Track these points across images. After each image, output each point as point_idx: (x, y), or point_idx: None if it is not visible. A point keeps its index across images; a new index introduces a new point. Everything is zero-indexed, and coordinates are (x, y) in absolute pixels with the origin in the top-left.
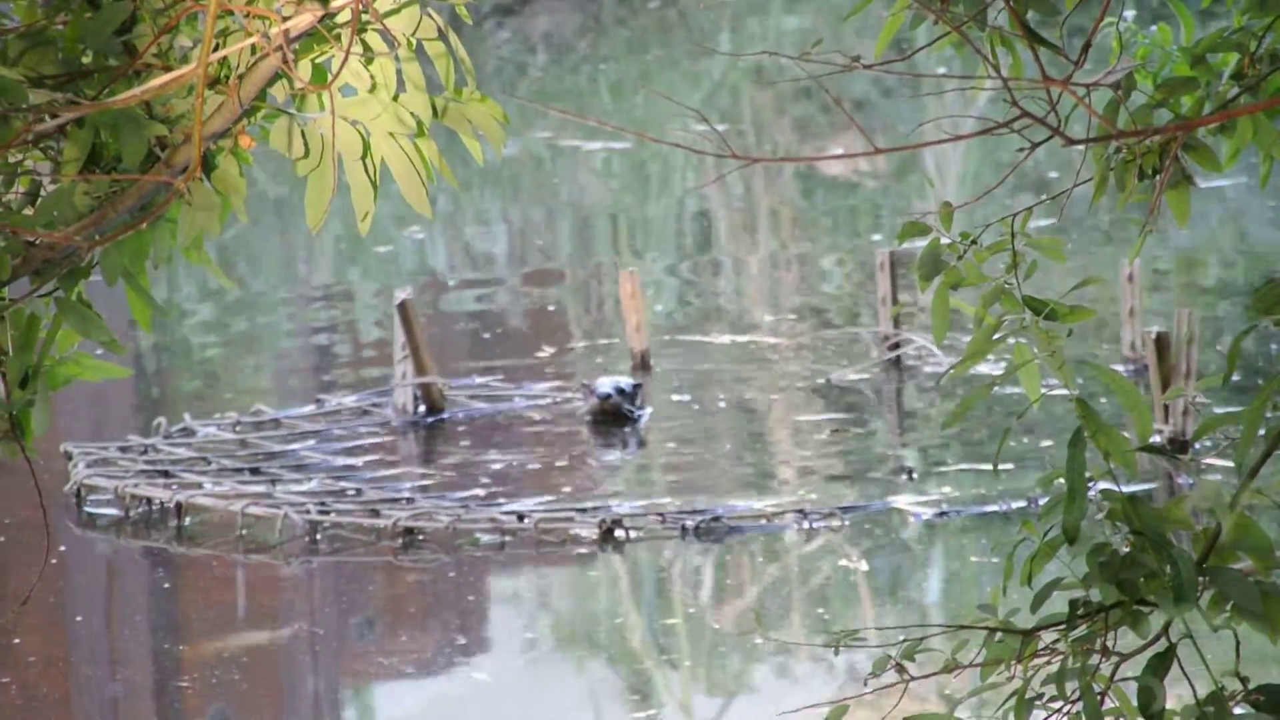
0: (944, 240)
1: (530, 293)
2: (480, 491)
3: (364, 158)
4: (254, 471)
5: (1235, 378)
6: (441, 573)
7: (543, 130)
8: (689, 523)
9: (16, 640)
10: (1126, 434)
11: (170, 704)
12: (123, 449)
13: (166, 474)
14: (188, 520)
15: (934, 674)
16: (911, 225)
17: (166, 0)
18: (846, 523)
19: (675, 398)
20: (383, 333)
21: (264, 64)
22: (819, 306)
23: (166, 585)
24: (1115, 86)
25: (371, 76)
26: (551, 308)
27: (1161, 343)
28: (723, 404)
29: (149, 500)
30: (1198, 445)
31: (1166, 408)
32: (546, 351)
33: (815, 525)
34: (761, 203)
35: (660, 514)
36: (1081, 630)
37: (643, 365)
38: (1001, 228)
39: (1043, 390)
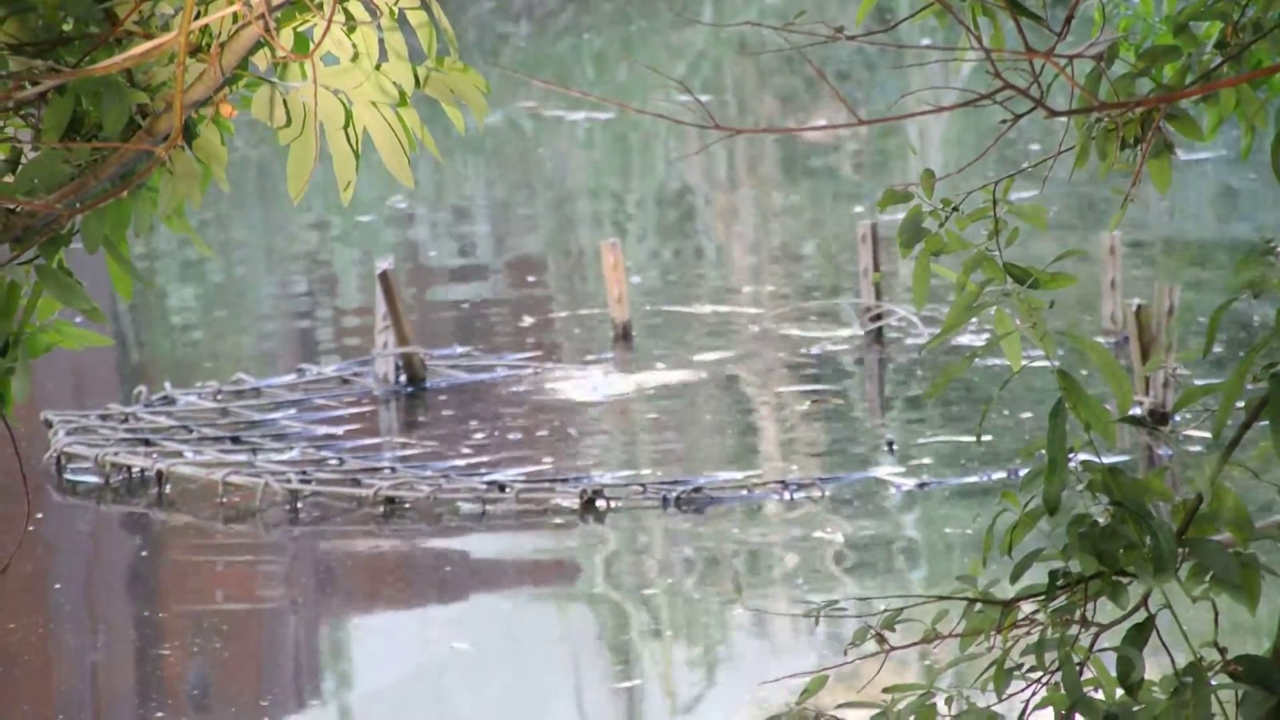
0: (925, 208)
1: (512, 263)
2: (461, 461)
3: (346, 127)
4: (235, 440)
5: (1216, 350)
6: (422, 542)
7: (526, 100)
8: (670, 493)
9: None
10: (1107, 405)
11: (151, 671)
12: (103, 417)
13: (147, 442)
14: (168, 488)
15: (914, 644)
16: (893, 193)
17: None
18: (827, 493)
19: (657, 369)
20: (364, 302)
21: (246, 32)
22: (800, 277)
23: (147, 553)
24: (1098, 57)
25: (354, 45)
26: (532, 278)
27: (1142, 315)
28: (704, 375)
29: (129, 468)
30: (1178, 417)
31: (1147, 380)
32: (527, 322)
33: (796, 496)
34: (743, 174)
35: (641, 484)
36: (1061, 601)
37: (624, 336)
38: (984, 195)
39: (1024, 361)
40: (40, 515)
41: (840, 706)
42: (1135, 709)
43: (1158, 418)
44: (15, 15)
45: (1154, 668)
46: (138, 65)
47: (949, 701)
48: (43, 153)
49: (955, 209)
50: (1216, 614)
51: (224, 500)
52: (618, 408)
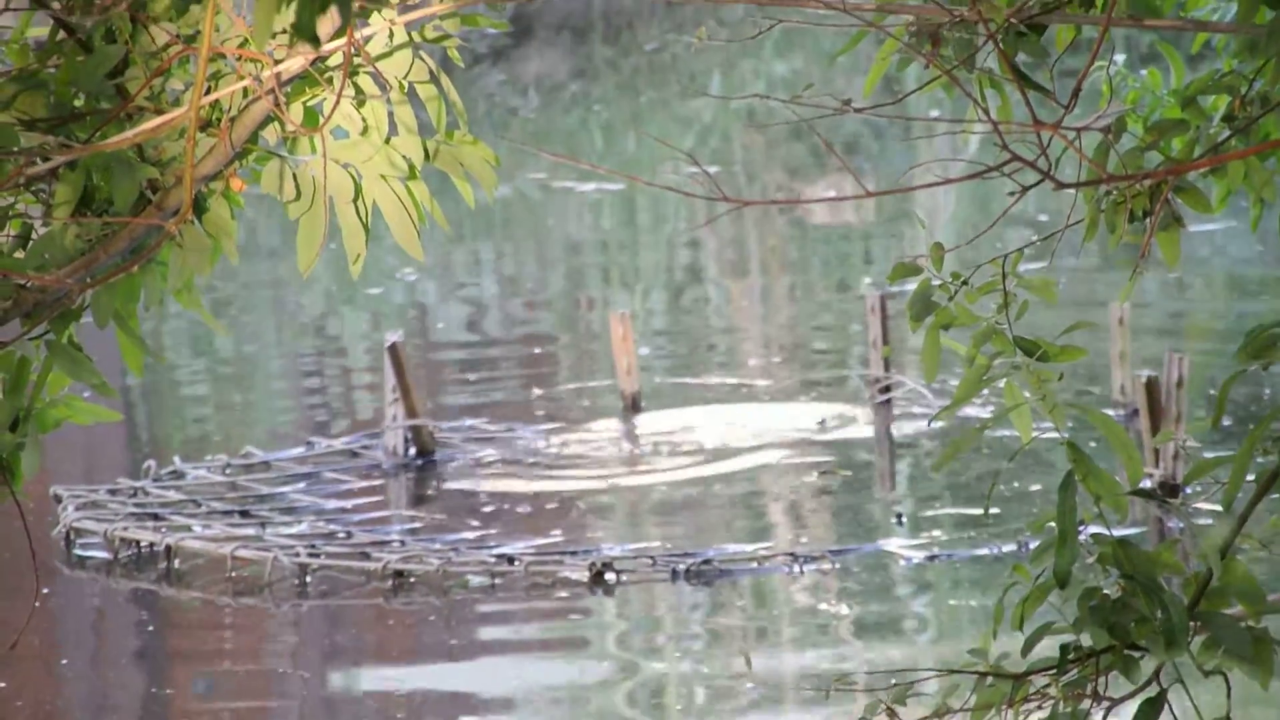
0: (935, 281)
1: (521, 335)
2: (470, 534)
3: (356, 200)
4: (243, 514)
5: (1226, 422)
6: (431, 615)
7: (536, 171)
8: (679, 565)
9: (3, 684)
10: (1117, 477)
11: None
12: (112, 491)
13: (156, 516)
14: (177, 563)
15: (925, 718)
16: (903, 266)
17: (159, 44)
18: (837, 565)
19: (666, 440)
20: (373, 376)
21: (256, 107)
22: (809, 349)
23: (156, 628)
24: (1106, 130)
25: (363, 119)
26: (541, 350)
27: (1152, 386)
28: (713, 446)
29: (138, 543)
30: (1188, 489)
31: (1157, 451)
32: (536, 393)
33: (806, 568)
34: (752, 245)
35: (651, 557)
36: (1072, 675)
37: (634, 407)
38: (993, 269)
39: (1034, 433)
40: (49, 590)
41: None
42: None
43: (1168, 490)
44: (27, 92)
45: None
46: (148, 140)
47: None
48: (54, 228)
49: (965, 282)
50: (1229, 688)
51: (233, 574)
52: (627, 479)
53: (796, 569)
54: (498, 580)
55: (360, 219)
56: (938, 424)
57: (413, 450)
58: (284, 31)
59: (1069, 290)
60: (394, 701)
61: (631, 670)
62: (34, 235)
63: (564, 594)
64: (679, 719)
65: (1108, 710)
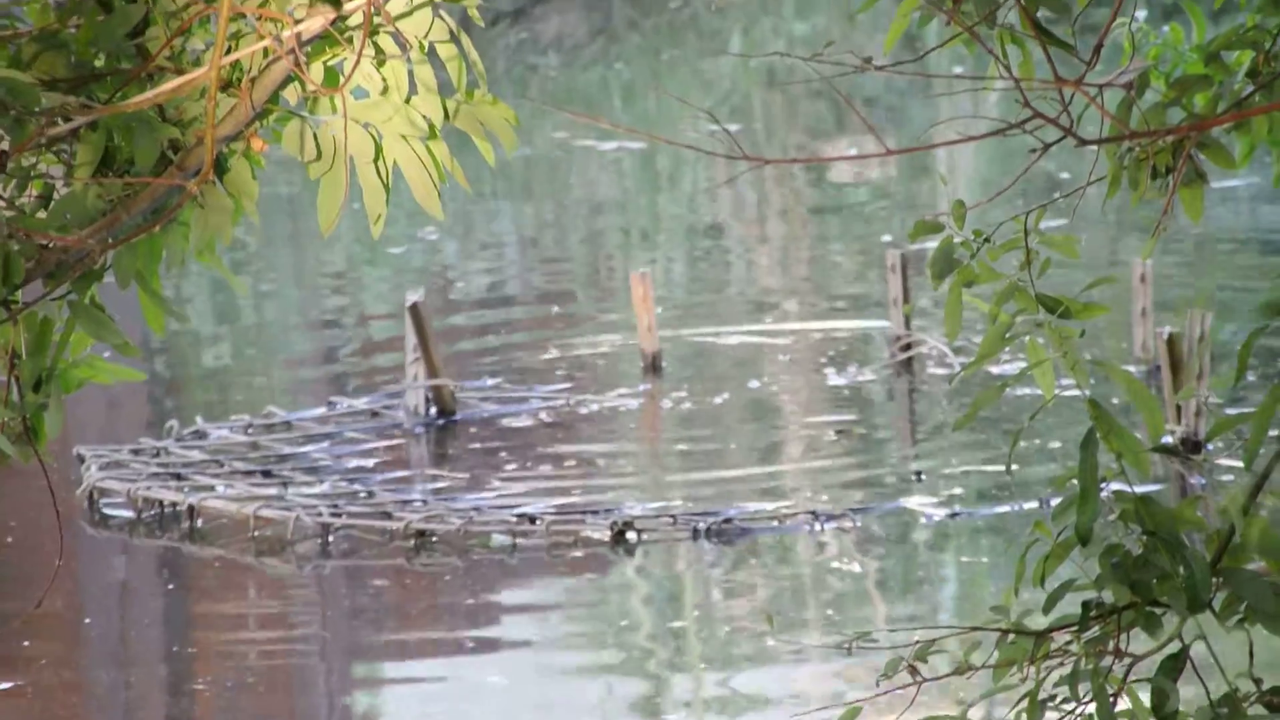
0: (957, 238)
1: (541, 294)
2: (491, 494)
3: (376, 160)
4: (266, 474)
5: (1249, 378)
6: (454, 575)
7: (557, 131)
8: (700, 524)
9: (27, 643)
10: (1139, 434)
11: (184, 707)
12: (135, 451)
13: (179, 476)
14: (200, 522)
15: (946, 676)
16: (924, 224)
17: (179, 3)
18: (858, 524)
19: (686, 400)
20: (394, 335)
21: (276, 67)
22: (831, 307)
23: (179, 587)
24: (1128, 86)
25: (383, 79)
26: (562, 309)
27: (1174, 343)
28: (734, 405)
29: (161, 503)
30: (1210, 446)
31: (1179, 408)
32: (557, 353)
33: (827, 526)
34: (773, 203)
35: (672, 516)
36: (1094, 632)
37: (654, 367)
38: (1015, 226)
39: (1055, 390)
40: (72, 550)
41: None
42: None
43: (1190, 446)
44: (48, 52)
45: (1189, 699)
46: (169, 100)
47: None
48: (75, 188)
49: (987, 240)
50: (1251, 645)
51: (255, 534)
52: (647, 439)
53: (817, 527)
54: (519, 540)
55: (381, 179)
56: (960, 381)
57: (434, 410)
58: None
59: (1090, 247)
60: (417, 661)
61: (653, 629)
62: (56, 196)
63: (585, 553)
64: (701, 676)
65: (1129, 667)
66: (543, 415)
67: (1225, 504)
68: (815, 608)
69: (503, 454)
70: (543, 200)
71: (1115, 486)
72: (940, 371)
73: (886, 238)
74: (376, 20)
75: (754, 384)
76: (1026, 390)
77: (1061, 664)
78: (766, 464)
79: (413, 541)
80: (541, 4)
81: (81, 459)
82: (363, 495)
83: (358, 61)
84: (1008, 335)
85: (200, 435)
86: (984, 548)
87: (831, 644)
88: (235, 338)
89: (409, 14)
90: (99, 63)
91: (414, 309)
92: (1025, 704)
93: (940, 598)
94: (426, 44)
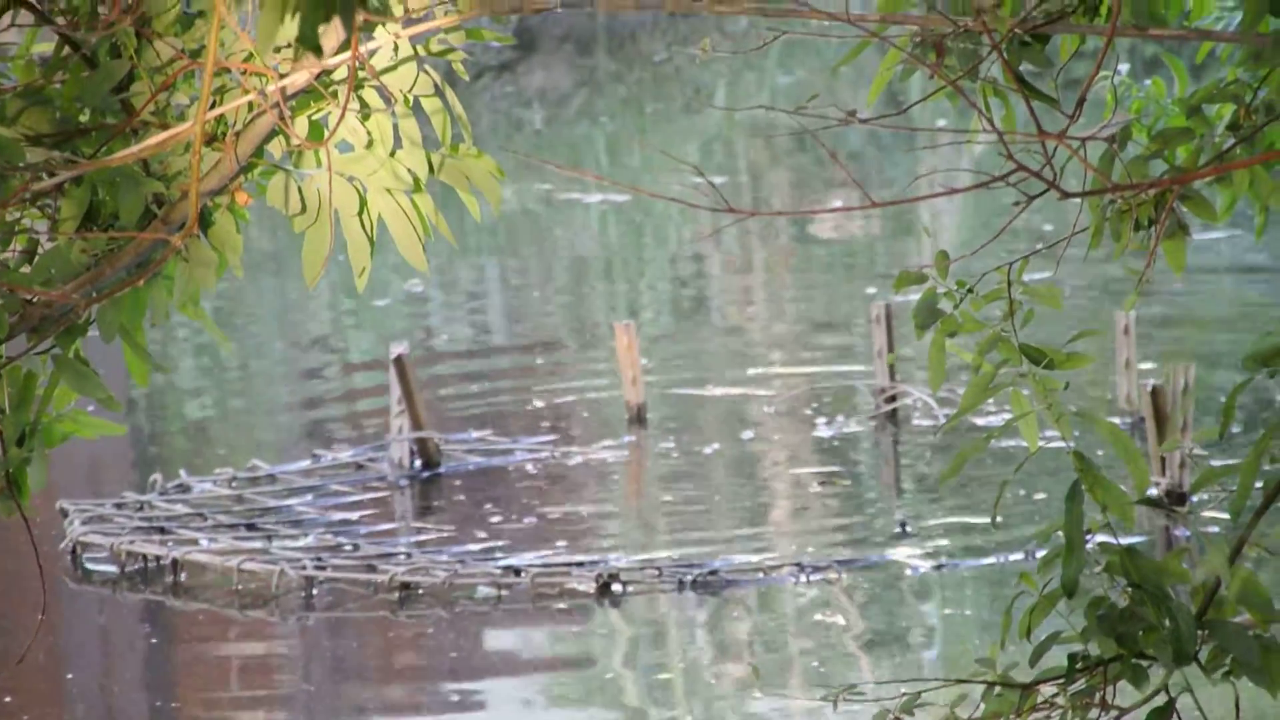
0: (940, 289)
1: (526, 347)
2: (476, 546)
3: (361, 214)
4: (250, 527)
5: (1235, 430)
6: (438, 628)
7: (541, 184)
8: (686, 576)
9: (9, 699)
10: (1124, 487)
11: None
12: (118, 505)
13: (162, 530)
14: (183, 576)
15: None
16: (908, 274)
17: (163, 58)
18: (844, 576)
19: (671, 451)
20: (378, 388)
21: (261, 121)
22: (814, 358)
23: (162, 642)
24: (1110, 139)
25: (368, 132)
26: (546, 361)
27: (1158, 395)
28: (719, 457)
29: (144, 556)
30: (1195, 498)
31: (1163, 460)
32: (542, 405)
33: (812, 578)
34: (757, 255)
35: (657, 567)
36: (1080, 684)
37: (639, 419)
38: (998, 277)
39: (1040, 442)
40: (55, 604)
41: None
42: None
43: (1175, 499)
44: (33, 107)
45: None
46: (154, 155)
47: None
48: (59, 243)
49: (970, 290)
50: (1237, 697)
51: (239, 588)
52: (632, 490)
53: (803, 579)
54: (504, 592)
55: (365, 232)
56: (944, 433)
57: (418, 462)
58: (288, 46)
59: (1074, 299)
60: (400, 714)
61: (638, 682)
62: (40, 250)
63: (570, 605)
64: None
65: (1116, 719)
66: (528, 467)
67: (1210, 556)
68: (801, 660)
69: (487, 506)
70: (527, 252)
71: (1101, 538)
72: (925, 423)
73: (870, 290)
74: (361, 74)
75: (739, 435)
76: (1011, 442)
77: (1048, 717)
78: (752, 515)
79: (397, 594)
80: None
81: (64, 513)
82: (347, 548)
83: (342, 115)
84: (991, 386)
85: (184, 489)
86: (970, 600)
87: (817, 697)
88: (219, 391)
89: (394, 68)
90: (84, 118)
91: (398, 361)
92: None
93: (926, 650)
94: (411, 98)
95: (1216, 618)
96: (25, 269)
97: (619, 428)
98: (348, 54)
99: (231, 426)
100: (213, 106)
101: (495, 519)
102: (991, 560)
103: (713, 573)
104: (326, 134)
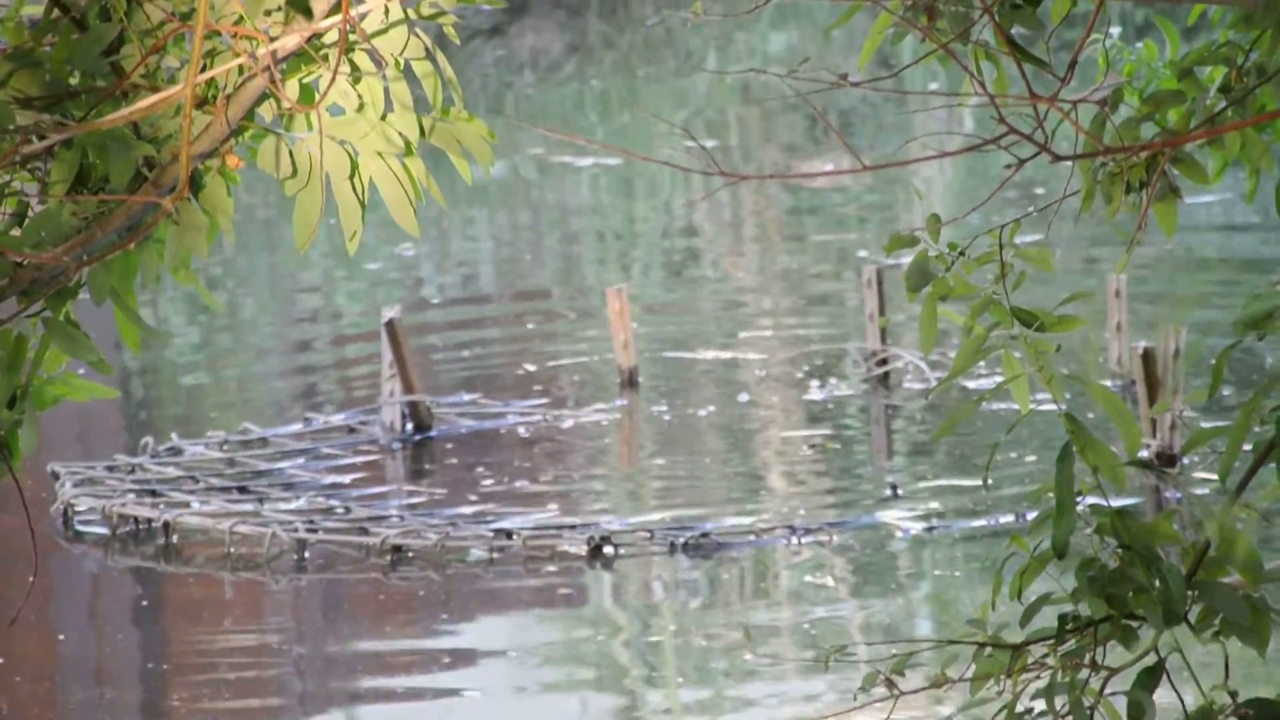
0: (932, 252)
1: (518, 311)
2: (468, 509)
3: (352, 177)
4: (242, 490)
5: (1225, 392)
6: (430, 590)
7: (532, 148)
8: (677, 539)
9: (1, 660)
10: (1114, 448)
11: None
12: (110, 468)
13: (154, 493)
14: (175, 539)
15: (924, 689)
16: (899, 237)
17: (154, 21)
18: (835, 538)
19: (663, 414)
20: (370, 351)
21: (251, 84)
22: (805, 322)
23: (154, 604)
24: (1102, 102)
25: (359, 96)
26: (538, 325)
27: (1148, 357)
28: (710, 421)
29: (136, 519)
30: (1185, 459)
31: (1154, 422)
32: (533, 368)
33: (803, 541)
34: (748, 219)
35: (648, 530)
36: (1071, 645)
37: (630, 382)
38: (990, 240)
39: (1031, 404)
40: (47, 567)
41: None
42: None
43: (1165, 460)
44: (23, 70)
45: (1164, 712)
46: (144, 118)
47: None
48: (50, 206)
49: (962, 253)
50: (1227, 657)
51: (231, 550)
52: (624, 454)
53: (794, 541)
54: (496, 555)
55: (357, 196)
56: (936, 396)
57: (410, 426)
58: (279, 9)
59: (1065, 261)
60: (393, 677)
61: (630, 644)
62: (30, 213)
63: (562, 568)
64: (677, 691)
65: (1106, 680)
66: (520, 430)
67: (1200, 518)
68: (792, 622)
69: (479, 469)
70: (519, 216)
71: (1091, 500)
72: (916, 386)
73: (862, 253)
74: (352, 38)
75: (730, 399)
76: (1003, 404)
77: (1038, 677)
78: (743, 478)
79: (389, 557)
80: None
81: (56, 476)
82: (339, 511)
83: (333, 78)
84: (983, 349)
85: (175, 452)
86: (960, 561)
87: (809, 658)
88: (210, 354)
89: (385, 31)
90: (74, 81)
91: (390, 325)
92: (1003, 717)
93: (917, 611)
94: (402, 61)
95: (1206, 578)
96: (15, 232)
97: (611, 391)
98: (338, 17)
99: (223, 389)
100: (203, 70)
101: (487, 482)
102: (982, 522)
103: (704, 535)
104: (317, 97)
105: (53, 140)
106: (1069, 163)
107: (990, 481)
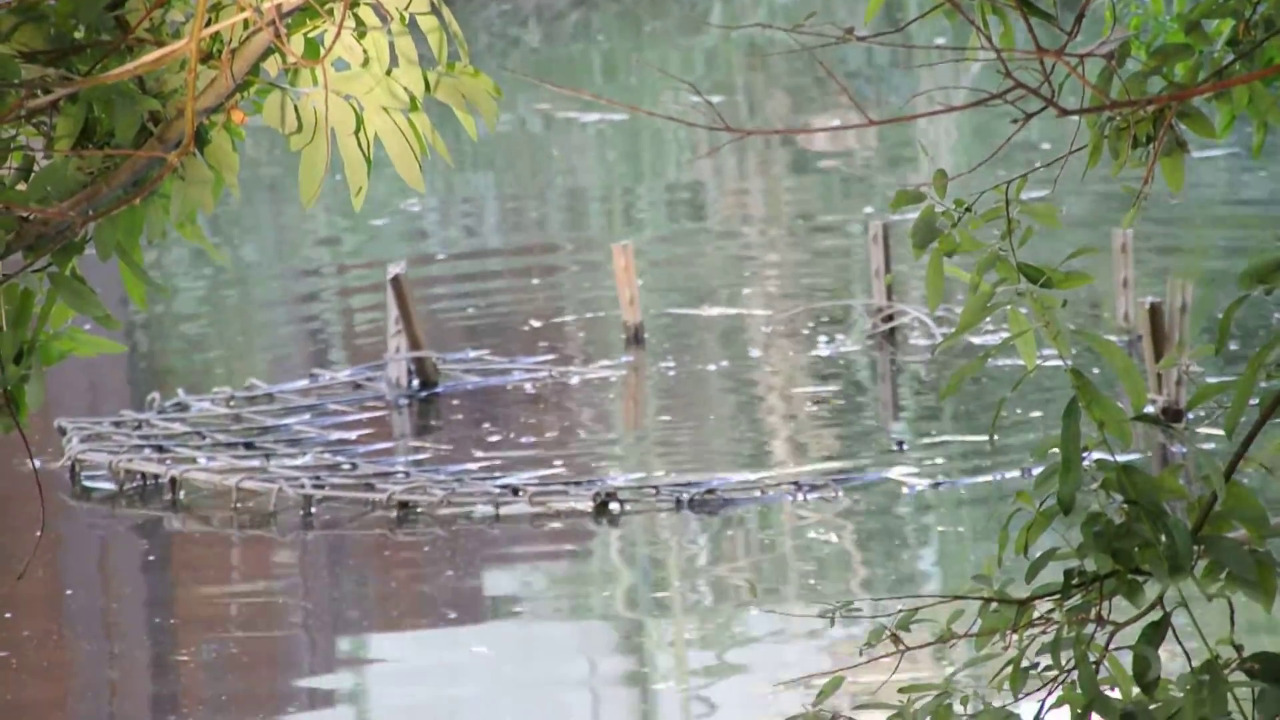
0: (938, 208)
1: (524, 267)
2: (474, 465)
3: (357, 132)
4: (248, 446)
5: (1232, 347)
6: (436, 546)
7: (538, 103)
8: (683, 495)
9: (9, 615)
10: (1120, 404)
11: (166, 679)
12: (117, 424)
13: (161, 449)
14: (182, 494)
15: (929, 644)
16: (905, 193)
17: None
18: (841, 494)
19: (669, 371)
20: (376, 308)
21: (256, 39)
22: (812, 278)
23: (161, 559)
24: (1109, 56)
25: (364, 51)
26: (543, 281)
27: (1155, 313)
28: (716, 377)
29: (143, 475)
30: (1192, 415)
31: (1160, 377)
32: (539, 324)
33: (809, 497)
34: (754, 175)
35: (654, 486)
36: (1076, 600)
37: (636, 339)
38: (996, 196)
39: (1037, 360)
40: (54, 522)
41: (857, 708)
42: (1152, 707)
43: (1172, 415)
44: (28, 24)
45: (1170, 666)
46: (149, 72)
47: (965, 701)
48: (55, 161)
49: (968, 209)
50: (1233, 611)
51: (237, 506)
52: (630, 410)
53: (800, 497)
54: (502, 511)
55: (362, 151)
56: (942, 352)
57: (416, 382)
58: None
59: (1072, 216)
60: (400, 632)
61: (636, 599)
62: (36, 168)
63: (568, 524)
64: (684, 646)
65: (1111, 634)
66: (526, 387)
67: (1206, 472)
68: (798, 578)
69: (485, 425)
70: (524, 172)
71: (1097, 455)
72: (922, 342)
73: (868, 209)
74: None
75: (736, 356)
76: (1008, 360)
77: (1044, 632)
78: (749, 435)
79: (395, 513)
80: None
81: (63, 431)
82: (345, 467)
83: (338, 33)
84: (989, 305)
85: (182, 408)
86: (966, 517)
87: (814, 613)
88: (217, 310)
89: None
90: (79, 35)
91: (396, 281)
92: (1008, 672)
93: (923, 567)
94: (407, 16)
95: (1212, 533)
96: (21, 186)
97: (617, 348)
98: None
99: (229, 345)
100: (208, 24)
101: (493, 438)
102: (988, 478)
103: (710, 491)
104: (322, 52)
105: (58, 95)
106: (1076, 120)
107: (996, 438)
